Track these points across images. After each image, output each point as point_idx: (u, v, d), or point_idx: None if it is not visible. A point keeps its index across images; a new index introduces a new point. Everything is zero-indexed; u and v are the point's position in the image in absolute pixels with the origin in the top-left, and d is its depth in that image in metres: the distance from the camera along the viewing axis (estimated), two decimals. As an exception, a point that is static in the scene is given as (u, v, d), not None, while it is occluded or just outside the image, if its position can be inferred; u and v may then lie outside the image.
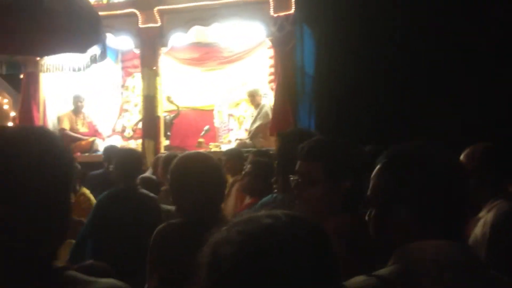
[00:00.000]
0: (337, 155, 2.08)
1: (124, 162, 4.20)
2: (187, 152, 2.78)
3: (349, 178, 2.05)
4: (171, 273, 2.26)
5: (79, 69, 4.43)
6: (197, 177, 2.37)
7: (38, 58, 5.17)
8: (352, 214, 1.98)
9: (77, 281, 1.19)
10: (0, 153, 1.17)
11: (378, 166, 1.52)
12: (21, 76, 8.64)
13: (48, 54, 4.39)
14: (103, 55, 4.25)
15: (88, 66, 4.37)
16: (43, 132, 1.25)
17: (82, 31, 3.72)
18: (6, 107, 12.93)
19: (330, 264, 1.00)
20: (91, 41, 3.96)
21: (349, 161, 2.08)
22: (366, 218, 1.53)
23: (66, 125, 8.87)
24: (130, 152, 4.87)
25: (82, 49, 4.13)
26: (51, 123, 9.00)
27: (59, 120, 9.11)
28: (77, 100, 8.97)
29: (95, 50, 4.18)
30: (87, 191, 5.50)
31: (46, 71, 5.02)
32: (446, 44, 9.28)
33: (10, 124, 12.22)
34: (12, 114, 11.90)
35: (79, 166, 6.89)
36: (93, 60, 4.28)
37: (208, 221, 2.00)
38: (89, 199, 5.35)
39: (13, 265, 1.14)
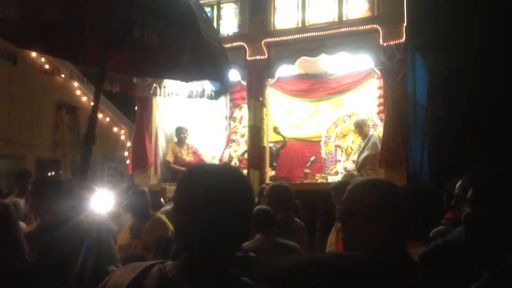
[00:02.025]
0: None
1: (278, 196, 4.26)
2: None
3: None
4: None
5: (196, 97, 4.50)
6: None
7: (150, 82, 5.38)
8: None
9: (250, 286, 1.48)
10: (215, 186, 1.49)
11: None
12: (136, 108, 9.09)
13: (170, 78, 4.53)
14: (224, 90, 4.31)
15: (208, 97, 4.44)
16: (237, 171, 1.66)
17: (208, 62, 3.77)
18: (122, 137, 13.76)
19: None
20: (213, 73, 4.01)
21: None
22: None
23: (170, 158, 9.18)
24: (281, 186, 4.94)
25: (203, 78, 4.22)
26: (161, 153, 9.35)
27: (164, 153, 9.45)
28: (179, 132, 9.24)
29: (215, 84, 4.25)
30: (163, 216, 5.49)
31: (160, 96, 5.18)
32: None
33: (126, 153, 12.94)
34: (128, 144, 12.59)
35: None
36: (215, 93, 4.36)
37: None
38: (164, 223, 5.34)
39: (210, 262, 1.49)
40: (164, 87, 5.68)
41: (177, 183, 1.58)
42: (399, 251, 1.92)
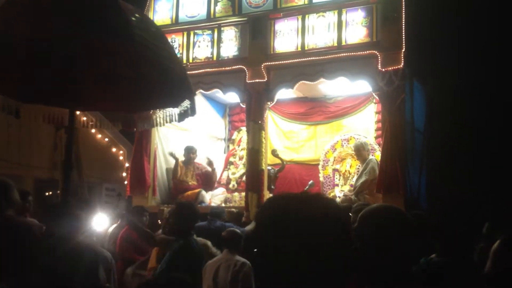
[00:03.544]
0: None
1: None
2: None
3: None
4: None
5: (171, 121, 4.51)
6: None
7: (151, 112, 5.36)
8: None
9: None
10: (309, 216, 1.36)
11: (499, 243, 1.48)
12: (135, 129, 9.08)
13: (143, 110, 4.48)
14: (193, 110, 4.31)
15: (179, 120, 4.44)
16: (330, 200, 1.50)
17: (174, 87, 3.77)
18: (121, 158, 13.75)
19: None
20: (182, 96, 4.01)
21: None
22: None
23: (176, 176, 9.17)
24: None
25: (174, 104, 4.20)
26: (160, 175, 9.34)
27: (169, 171, 9.45)
28: (189, 152, 9.23)
29: (186, 105, 4.25)
30: None
31: (157, 125, 5.18)
32: None
33: (124, 174, 12.91)
34: (126, 165, 12.58)
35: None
36: (185, 114, 4.35)
37: None
38: None
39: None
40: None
41: (271, 217, 1.42)
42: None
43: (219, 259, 5.49)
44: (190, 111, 4.32)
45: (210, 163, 9.47)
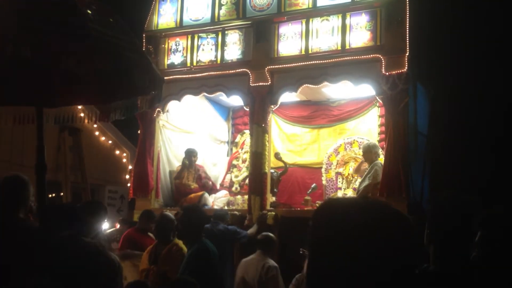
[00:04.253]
0: None
1: None
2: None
3: None
4: None
5: (142, 109, 4.49)
6: None
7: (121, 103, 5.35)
8: None
9: None
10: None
11: None
12: (138, 131, 9.11)
13: (112, 101, 4.44)
14: (157, 99, 4.31)
15: (150, 106, 4.43)
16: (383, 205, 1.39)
17: (136, 76, 3.76)
18: (124, 160, 13.79)
19: None
20: (148, 84, 4.00)
21: None
22: None
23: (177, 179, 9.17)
24: None
25: (142, 92, 4.18)
26: (163, 177, 9.34)
27: (171, 173, 9.46)
28: (190, 155, 9.22)
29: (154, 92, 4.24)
30: (180, 242, 5.52)
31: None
32: None
33: (127, 176, 12.94)
34: (130, 167, 12.61)
35: None
36: (152, 101, 4.34)
37: None
38: (181, 249, 5.37)
39: None
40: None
41: (326, 221, 1.33)
42: None
43: (252, 258, 5.92)
44: (157, 98, 4.33)
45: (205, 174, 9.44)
